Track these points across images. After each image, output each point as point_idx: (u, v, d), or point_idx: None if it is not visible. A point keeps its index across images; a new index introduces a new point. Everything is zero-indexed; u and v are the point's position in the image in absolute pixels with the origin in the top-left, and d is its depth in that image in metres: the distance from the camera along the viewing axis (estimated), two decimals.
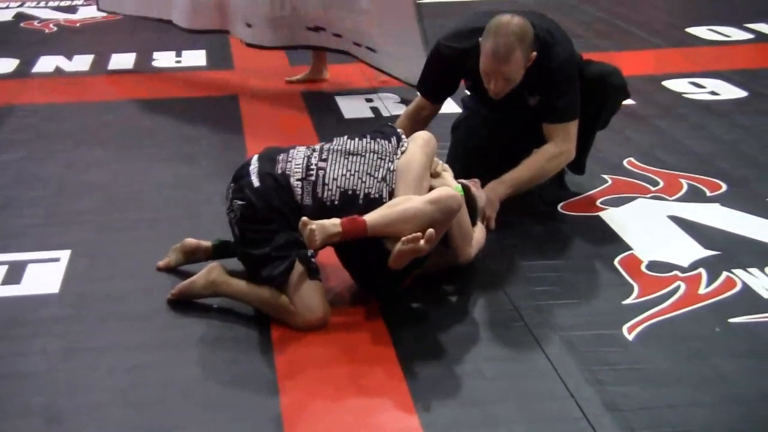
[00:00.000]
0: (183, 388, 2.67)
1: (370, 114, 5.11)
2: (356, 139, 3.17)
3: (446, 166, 3.32)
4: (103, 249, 3.53)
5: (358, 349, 2.86)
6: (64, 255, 3.44)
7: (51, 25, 7.42)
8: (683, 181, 4.07)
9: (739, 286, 3.17)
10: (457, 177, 3.30)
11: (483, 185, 3.54)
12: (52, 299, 3.16)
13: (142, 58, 6.34)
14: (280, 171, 3.04)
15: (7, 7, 8.08)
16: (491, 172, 3.64)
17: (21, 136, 4.82)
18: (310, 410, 2.58)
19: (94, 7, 7.91)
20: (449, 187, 3.11)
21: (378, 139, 3.18)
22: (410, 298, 3.15)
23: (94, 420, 2.54)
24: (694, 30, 6.96)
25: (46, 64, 6.23)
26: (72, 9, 8.01)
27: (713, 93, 5.38)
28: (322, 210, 2.95)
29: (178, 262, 3.32)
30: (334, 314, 3.01)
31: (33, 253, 3.47)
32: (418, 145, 3.17)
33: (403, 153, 3.15)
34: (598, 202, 3.88)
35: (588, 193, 3.96)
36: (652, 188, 4.00)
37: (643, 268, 3.31)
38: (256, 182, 3.02)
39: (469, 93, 4.09)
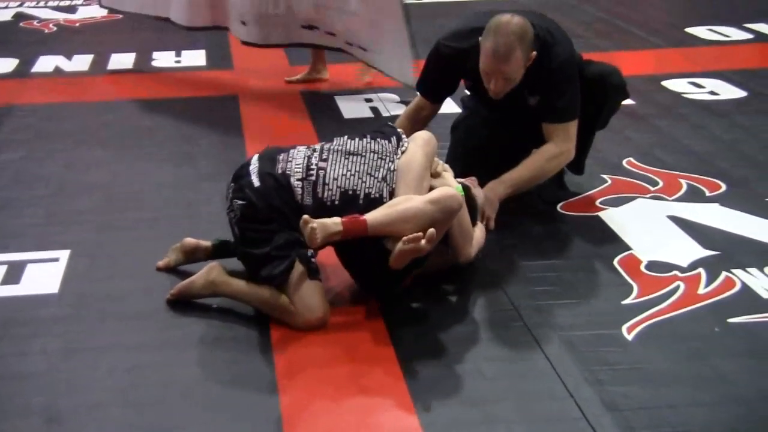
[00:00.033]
0: (183, 388, 2.67)
1: (369, 114, 5.11)
2: (356, 139, 3.17)
3: (446, 166, 3.32)
4: (102, 249, 3.53)
5: (357, 348, 2.87)
6: (64, 255, 3.44)
7: (50, 25, 7.42)
8: (683, 181, 4.07)
9: (738, 286, 3.18)
10: (456, 177, 3.30)
11: (482, 185, 3.54)
12: (52, 299, 3.16)
13: (142, 58, 6.34)
14: (280, 171, 3.04)
15: (6, 7, 8.08)
16: (491, 172, 3.64)
17: (20, 135, 4.82)
18: (310, 410, 2.58)
19: (94, 7, 7.93)
20: (450, 186, 3.11)
21: (378, 139, 3.18)
22: (410, 298, 3.15)
23: (93, 420, 2.54)
24: (693, 30, 6.97)
25: (45, 63, 6.23)
26: (71, 9, 8.00)
27: (713, 93, 5.38)
28: (322, 210, 2.95)
29: (177, 261, 3.32)
30: (334, 314, 3.01)
31: (32, 253, 3.47)
32: (419, 144, 3.17)
33: (403, 153, 3.15)
34: (597, 202, 3.88)
35: (587, 193, 3.96)
36: (652, 188, 4.00)
37: (642, 268, 3.31)
38: (256, 182, 3.02)
39: (468, 93, 4.09)
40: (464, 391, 2.65)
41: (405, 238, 2.85)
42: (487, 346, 2.89)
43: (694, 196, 3.93)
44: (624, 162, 4.29)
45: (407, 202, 2.95)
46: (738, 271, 3.27)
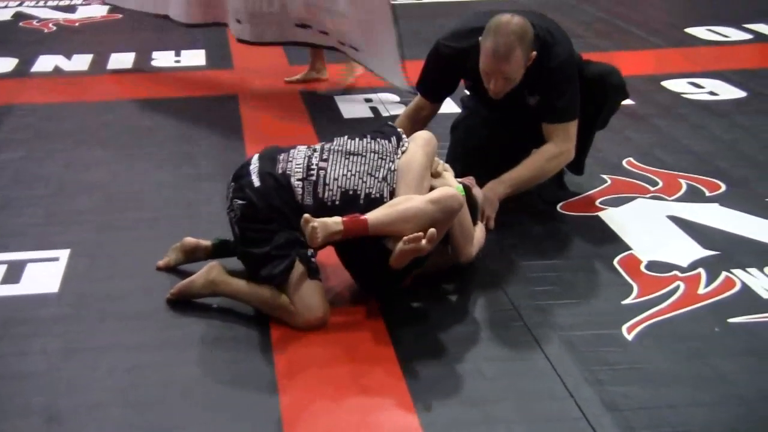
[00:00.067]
0: (183, 388, 2.67)
1: (369, 114, 5.11)
2: (356, 139, 3.17)
3: (447, 165, 3.32)
4: (102, 248, 3.52)
5: (357, 348, 2.87)
6: (64, 254, 3.44)
7: (50, 25, 7.42)
8: (682, 181, 4.07)
9: (738, 286, 3.18)
10: (456, 177, 3.30)
11: (482, 185, 3.54)
12: (52, 299, 3.16)
13: (142, 58, 6.34)
14: (280, 171, 3.04)
15: (6, 7, 8.08)
16: (491, 171, 3.64)
17: (20, 135, 4.81)
18: (310, 410, 2.58)
19: (93, 7, 7.95)
20: (450, 186, 3.11)
21: (378, 139, 3.18)
22: (410, 298, 3.15)
23: (93, 420, 2.54)
24: (693, 30, 6.97)
25: (45, 63, 6.22)
26: (71, 8, 8.00)
27: (712, 93, 5.38)
28: (322, 210, 2.95)
29: (177, 261, 3.32)
30: (334, 314, 3.01)
31: (32, 252, 3.47)
32: (419, 144, 3.17)
33: (403, 153, 3.15)
34: (597, 202, 3.88)
35: (587, 193, 3.97)
36: (652, 188, 4.00)
37: (642, 268, 3.31)
38: (256, 182, 3.02)
39: (468, 93, 4.09)
40: (464, 390, 2.65)
41: (406, 237, 2.85)
42: (487, 346, 2.89)
43: (693, 196, 3.93)
44: (624, 162, 4.29)
45: (408, 202, 2.95)
46: (738, 271, 3.27)
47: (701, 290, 3.16)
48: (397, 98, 5.28)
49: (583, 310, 3.07)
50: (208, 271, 3.07)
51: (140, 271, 3.32)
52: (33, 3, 8.23)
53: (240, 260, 3.13)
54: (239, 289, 3.04)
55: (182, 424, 2.53)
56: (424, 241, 2.84)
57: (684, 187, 4.01)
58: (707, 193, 3.95)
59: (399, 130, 3.28)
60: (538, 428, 2.49)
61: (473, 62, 3.49)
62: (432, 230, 2.85)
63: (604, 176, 4.12)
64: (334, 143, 3.17)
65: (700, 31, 6.93)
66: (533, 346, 2.86)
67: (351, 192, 3.02)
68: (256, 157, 3.14)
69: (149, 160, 4.48)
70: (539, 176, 3.68)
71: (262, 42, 5.43)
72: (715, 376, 2.69)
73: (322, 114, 5.09)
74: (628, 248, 3.46)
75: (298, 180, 3.02)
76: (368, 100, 5.30)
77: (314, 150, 3.13)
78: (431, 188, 3.09)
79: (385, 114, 5.05)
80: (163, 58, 6.36)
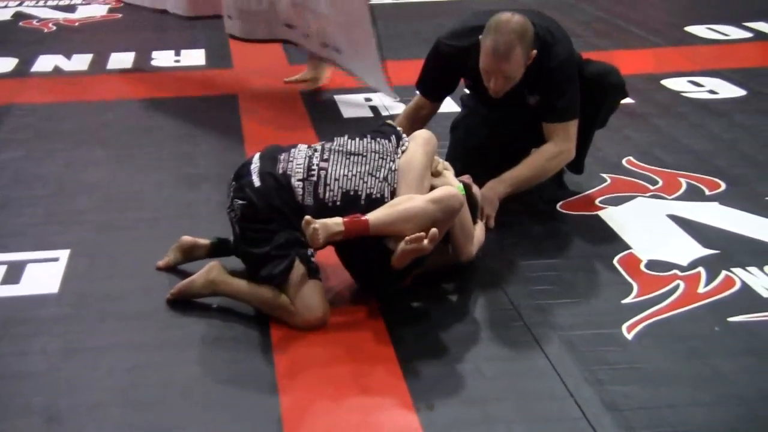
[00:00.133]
0: (183, 388, 2.67)
1: (369, 113, 5.10)
2: (357, 139, 3.17)
3: (447, 164, 3.32)
4: (102, 248, 3.52)
5: (358, 348, 2.87)
6: (64, 255, 3.44)
7: (50, 25, 7.42)
8: (682, 180, 4.07)
9: (738, 285, 3.18)
10: (456, 176, 3.30)
11: (482, 184, 3.54)
12: (52, 299, 3.16)
13: (141, 58, 6.34)
14: (281, 171, 3.04)
15: (6, 6, 8.08)
16: (490, 171, 3.64)
17: (20, 135, 4.81)
18: (310, 410, 2.58)
19: (93, 7, 7.95)
20: (451, 186, 3.11)
21: (378, 139, 3.18)
22: (410, 297, 3.15)
23: (93, 420, 2.54)
24: (693, 29, 6.96)
25: (44, 63, 6.22)
26: (71, 8, 8.00)
27: (712, 92, 5.38)
28: (323, 210, 2.95)
29: (176, 261, 3.32)
30: (334, 314, 3.01)
31: (32, 252, 3.47)
32: (419, 144, 3.17)
33: (403, 152, 3.15)
34: (597, 201, 3.88)
35: (587, 192, 3.97)
36: (651, 187, 4.00)
37: (642, 267, 3.31)
38: (257, 182, 3.02)
39: (468, 92, 4.09)
40: (464, 390, 2.65)
41: (407, 238, 2.85)
42: (487, 346, 2.89)
43: (693, 195, 3.93)
44: (623, 161, 4.29)
45: (408, 202, 2.95)
46: (738, 270, 3.27)
47: (701, 289, 3.16)
48: (396, 98, 5.27)
49: (582, 310, 3.07)
50: (208, 271, 3.07)
51: (140, 271, 3.32)
52: (33, 3, 8.22)
53: (241, 260, 3.13)
54: (239, 289, 3.04)
55: (182, 424, 2.53)
56: (425, 241, 2.84)
57: (684, 186, 4.01)
58: (707, 192, 3.95)
59: (399, 129, 3.28)
60: (538, 428, 2.49)
61: (473, 61, 3.49)
62: (434, 230, 2.85)
63: (604, 175, 4.12)
64: (335, 143, 3.16)
65: (699, 30, 6.92)
66: (533, 346, 2.86)
67: (352, 192, 3.02)
68: (257, 156, 3.14)
69: (149, 159, 4.48)
70: (539, 175, 3.68)
71: (252, 39, 5.44)
72: (714, 376, 2.69)
73: (321, 114, 5.09)
74: (628, 247, 3.46)
75: (299, 180, 3.02)
76: (368, 100, 5.30)
77: (315, 150, 3.13)
78: (432, 187, 3.10)
79: (384, 113, 5.05)
80: (162, 58, 6.35)
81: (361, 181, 3.04)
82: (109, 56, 6.35)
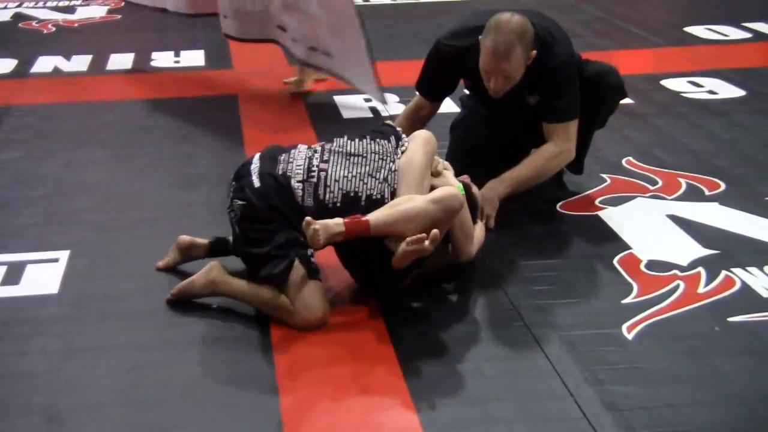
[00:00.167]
0: (183, 388, 2.67)
1: (368, 114, 5.11)
2: (356, 140, 3.17)
3: (447, 164, 3.32)
4: (102, 249, 3.52)
5: (358, 348, 2.87)
6: (63, 255, 3.44)
7: (49, 26, 7.42)
8: (682, 180, 4.07)
9: (738, 285, 3.18)
10: (455, 176, 3.30)
11: (481, 184, 3.55)
12: (52, 299, 3.16)
13: (141, 58, 6.34)
14: (281, 172, 3.04)
15: (5, 8, 8.08)
16: (490, 171, 3.64)
17: (19, 135, 4.81)
18: (310, 410, 2.58)
19: (93, 8, 7.95)
20: (451, 186, 3.11)
21: (378, 140, 3.18)
22: (410, 298, 3.15)
23: (93, 420, 2.54)
24: (692, 29, 6.97)
25: (44, 64, 6.22)
26: (70, 9, 8.00)
27: (712, 92, 5.38)
28: (323, 212, 2.94)
29: (175, 260, 3.32)
30: (334, 314, 3.01)
31: (32, 253, 3.47)
32: (418, 144, 3.17)
33: (403, 152, 3.15)
34: (597, 202, 3.88)
35: (587, 193, 3.97)
36: (651, 187, 4.00)
37: (642, 267, 3.31)
38: (256, 182, 3.02)
39: (468, 92, 4.09)
40: (464, 390, 2.65)
41: (409, 239, 2.85)
42: (487, 346, 2.89)
43: (693, 195, 3.93)
44: (623, 161, 4.29)
45: (409, 202, 2.95)
46: (738, 270, 3.27)
47: (701, 289, 3.16)
48: (396, 98, 5.27)
49: (583, 310, 3.07)
50: (208, 271, 3.07)
51: (140, 271, 3.32)
52: (32, 4, 8.23)
53: (241, 260, 3.13)
54: (239, 289, 3.04)
55: (182, 424, 2.53)
56: (427, 242, 2.84)
57: (683, 186, 4.01)
58: (707, 192, 3.95)
59: (398, 129, 3.28)
60: (538, 428, 2.49)
61: (473, 61, 3.49)
62: (435, 231, 2.85)
63: (604, 175, 4.12)
64: (335, 144, 3.16)
65: (699, 30, 6.92)
66: (533, 346, 2.86)
67: (352, 194, 3.01)
68: (257, 156, 3.14)
69: (149, 160, 4.48)
70: (539, 175, 3.68)
71: (246, 38, 5.45)
72: (714, 376, 2.69)
73: (321, 114, 5.09)
74: (628, 247, 3.46)
75: (299, 182, 3.02)
76: (368, 100, 5.30)
77: (315, 151, 3.13)
78: (432, 188, 3.10)
79: (384, 114, 5.05)
80: (162, 59, 6.35)
81: (361, 183, 3.04)
82: (109, 57, 6.35)
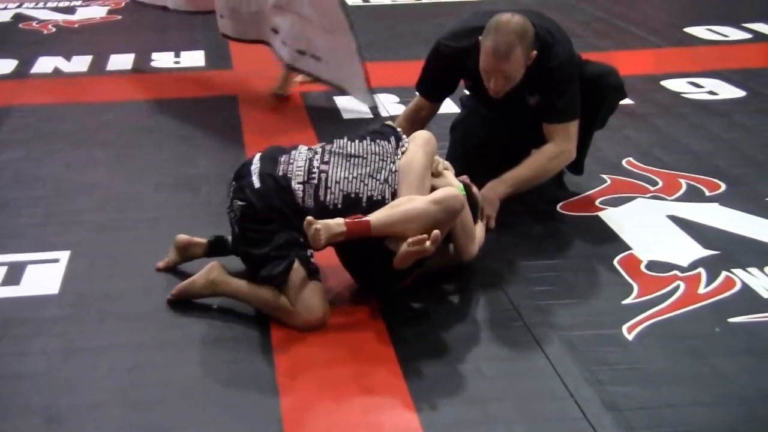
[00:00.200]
0: (183, 388, 2.68)
1: (368, 114, 5.10)
2: (356, 141, 3.17)
3: (448, 164, 3.32)
4: (102, 249, 3.52)
5: (358, 348, 2.86)
6: (64, 256, 3.44)
7: (49, 26, 7.42)
8: (682, 180, 4.07)
9: (738, 286, 3.18)
10: (455, 176, 3.30)
11: (481, 184, 3.54)
12: (52, 300, 3.16)
13: (141, 59, 6.33)
14: (281, 173, 3.04)
15: (5, 8, 8.08)
16: (490, 171, 3.64)
17: (20, 136, 4.81)
18: (310, 410, 2.58)
19: (93, 8, 7.94)
20: (452, 186, 3.11)
21: (378, 141, 3.18)
22: (410, 298, 3.15)
23: (93, 420, 2.54)
24: (692, 30, 6.96)
25: (44, 64, 6.22)
26: (70, 10, 8.00)
27: (712, 92, 5.38)
28: (324, 213, 2.94)
29: (174, 260, 3.32)
30: (334, 314, 3.01)
31: (32, 254, 3.47)
32: (419, 144, 3.17)
33: (403, 153, 3.15)
34: (597, 202, 3.88)
35: (587, 193, 3.97)
36: (651, 188, 4.00)
37: (642, 267, 3.31)
38: (257, 183, 3.01)
39: (468, 93, 4.09)
40: (464, 390, 2.65)
41: (410, 240, 2.85)
42: (487, 346, 2.89)
43: (693, 195, 3.93)
44: (623, 162, 4.29)
45: (410, 203, 2.95)
46: (738, 271, 3.27)
47: (701, 290, 3.16)
48: (396, 98, 5.27)
49: (583, 310, 3.07)
50: (208, 272, 3.07)
51: (140, 272, 3.32)
52: (32, 4, 8.22)
53: (241, 260, 3.13)
54: (239, 290, 3.04)
55: (182, 425, 2.53)
56: (428, 243, 2.84)
57: (684, 187, 4.01)
58: (707, 193, 3.95)
59: (398, 129, 3.28)
60: (539, 428, 2.49)
61: (473, 62, 3.49)
62: (436, 232, 2.85)
63: (604, 176, 4.12)
64: (335, 145, 3.16)
65: (699, 31, 6.92)
66: (533, 346, 2.86)
67: (353, 195, 3.01)
68: (257, 156, 3.14)
69: (149, 160, 4.48)
70: (540, 176, 3.68)
71: (243, 39, 5.46)
72: (715, 376, 2.69)
73: (321, 114, 5.09)
74: (628, 248, 3.46)
75: (299, 183, 3.02)
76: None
77: (315, 152, 3.13)
78: (432, 188, 3.10)
79: (384, 114, 5.05)
80: (162, 59, 6.35)
81: (362, 184, 3.04)
82: (109, 57, 6.35)
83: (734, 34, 6.83)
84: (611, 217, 3.74)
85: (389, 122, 3.46)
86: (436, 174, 3.21)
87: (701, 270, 3.28)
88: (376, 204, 3.00)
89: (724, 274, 3.25)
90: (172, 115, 5.14)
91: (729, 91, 5.39)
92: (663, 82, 5.58)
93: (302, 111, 5.14)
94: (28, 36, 7.14)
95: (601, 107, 3.81)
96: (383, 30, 7.11)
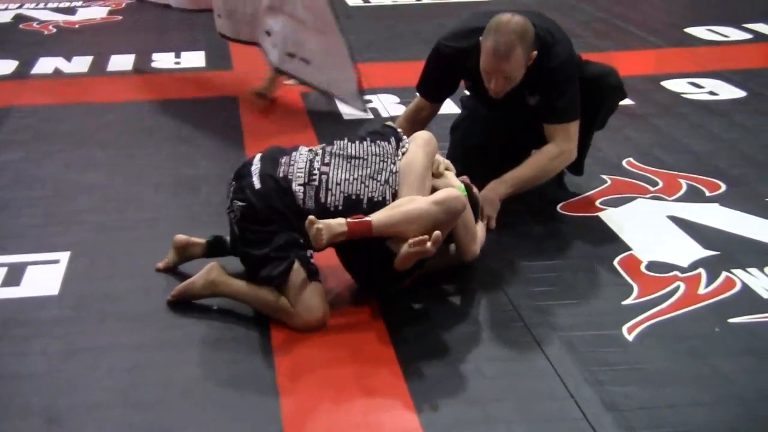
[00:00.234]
0: (183, 389, 2.68)
1: (369, 115, 5.10)
2: (357, 143, 3.17)
3: (449, 164, 3.32)
4: (102, 249, 3.52)
5: (358, 349, 2.87)
6: (64, 257, 3.43)
7: (50, 27, 7.42)
8: (682, 181, 4.07)
9: (738, 286, 3.18)
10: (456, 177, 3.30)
11: (482, 185, 3.54)
12: (52, 301, 3.16)
13: (141, 60, 6.33)
14: (282, 174, 3.04)
15: (6, 9, 8.08)
16: (491, 171, 3.64)
17: (20, 136, 4.81)
18: (310, 410, 2.58)
19: (93, 9, 7.94)
20: (453, 187, 3.11)
21: (378, 141, 3.18)
22: (410, 298, 3.15)
23: (93, 420, 2.55)
24: (692, 30, 6.96)
25: (45, 65, 6.22)
26: (71, 10, 8.00)
27: (712, 93, 5.38)
28: (325, 215, 2.93)
29: (173, 260, 3.32)
30: (334, 315, 3.01)
31: (32, 254, 3.47)
32: (419, 145, 3.17)
33: (404, 154, 3.15)
34: (597, 203, 3.88)
35: (587, 194, 3.96)
36: (652, 188, 4.00)
37: (642, 268, 3.31)
38: (257, 184, 3.01)
39: (468, 93, 4.09)
40: (464, 391, 2.65)
41: (411, 240, 2.85)
42: (488, 347, 2.89)
43: (693, 196, 3.93)
44: (624, 162, 4.29)
45: (411, 203, 2.95)
46: (738, 271, 3.27)
47: (701, 290, 3.16)
48: (396, 99, 5.28)
49: (583, 311, 3.07)
50: (208, 272, 3.07)
51: (140, 272, 3.32)
52: (33, 5, 8.22)
53: (240, 260, 3.13)
54: (239, 290, 3.04)
55: (182, 425, 2.53)
56: (429, 244, 2.84)
57: (684, 187, 4.01)
58: (707, 193, 3.95)
59: (398, 130, 3.28)
60: (539, 428, 2.49)
61: (474, 62, 3.49)
62: (437, 233, 2.85)
63: (604, 176, 4.12)
64: (335, 146, 3.16)
65: (699, 31, 6.92)
66: (533, 347, 2.86)
67: (354, 196, 3.01)
68: (258, 157, 3.14)
69: (149, 161, 4.48)
70: (541, 176, 3.68)
71: (239, 39, 5.47)
72: (715, 376, 2.69)
73: (321, 115, 5.08)
74: (628, 248, 3.46)
75: (300, 185, 3.01)
76: (368, 101, 5.29)
77: (316, 153, 3.13)
78: (433, 188, 3.10)
79: (384, 115, 5.05)
80: (163, 60, 6.35)
81: (363, 185, 3.04)
82: (110, 58, 6.35)
83: (734, 34, 6.83)
84: (611, 217, 3.74)
85: (389, 123, 3.45)
86: (438, 174, 3.21)
87: (701, 270, 3.28)
88: (377, 205, 3.00)
89: (724, 274, 3.25)
90: (172, 116, 5.14)
91: (729, 92, 5.39)
92: (663, 83, 5.58)
93: (302, 112, 5.14)
94: (28, 36, 7.14)
95: (601, 107, 3.81)
96: (383, 30, 7.12)
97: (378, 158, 3.12)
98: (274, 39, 5.06)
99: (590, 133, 3.88)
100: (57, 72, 6.08)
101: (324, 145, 3.20)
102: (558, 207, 3.84)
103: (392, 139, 3.20)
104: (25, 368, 2.78)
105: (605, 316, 3.02)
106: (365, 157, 3.11)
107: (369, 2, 8.21)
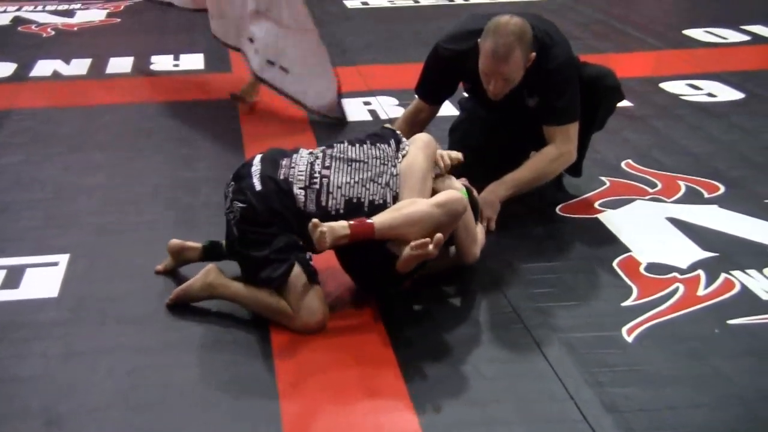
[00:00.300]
0: (182, 391, 2.67)
1: (368, 117, 5.10)
2: (357, 146, 3.17)
3: (457, 154, 3.29)
4: (101, 252, 3.52)
5: (358, 351, 2.86)
6: (63, 259, 3.43)
7: (49, 29, 7.42)
8: (681, 182, 4.07)
9: (737, 288, 3.18)
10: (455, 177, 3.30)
11: (481, 187, 3.55)
12: (51, 303, 3.16)
13: (140, 62, 6.34)
14: (282, 176, 3.03)
15: (4, 11, 8.08)
16: (490, 173, 3.64)
17: (19, 139, 4.81)
18: (310, 412, 2.58)
19: (92, 11, 7.95)
20: (454, 189, 3.11)
21: (378, 144, 3.18)
22: (410, 300, 3.15)
23: (93, 422, 2.54)
24: (691, 32, 6.97)
25: (43, 67, 6.22)
26: (70, 13, 8.00)
27: (710, 95, 5.38)
28: (326, 218, 2.93)
29: (170, 264, 3.32)
30: (334, 317, 3.01)
31: (32, 257, 3.47)
32: (419, 147, 3.17)
33: (404, 156, 3.15)
34: (596, 204, 3.88)
35: (586, 196, 3.97)
36: (650, 190, 4.01)
37: (641, 269, 3.31)
38: (257, 185, 3.01)
39: (467, 95, 4.09)
40: (464, 392, 2.65)
41: (413, 243, 2.85)
42: (487, 348, 2.89)
43: (692, 197, 3.93)
44: (622, 164, 4.29)
45: (413, 206, 2.96)
46: (737, 273, 3.27)
47: (701, 292, 3.16)
48: (395, 101, 5.28)
49: (582, 312, 3.07)
50: (205, 274, 3.07)
51: (139, 274, 3.32)
52: (32, 7, 8.23)
53: (237, 262, 3.12)
54: (237, 292, 3.04)
55: (182, 427, 2.53)
56: (431, 246, 2.84)
57: (683, 189, 4.01)
58: (706, 195, 3.95)
59: (397, 132, 3.28)
60: (538, 430, 2.49)
61: (472, 64, 3.50)
62: (439, 235, 2.86)
63: (603, 178, 4.12)
64: (335, 149, 3.16)
65: (698, 33, 6.93)
66: (533, 348, 2.86)
67: (355, 200, 3.01)
68: (258, 158, 3.14)
69: (148, 163, 4.48)
70: (540, 178, 3.68)
71: (227, 43, 5.47)
72: (715, 378, 2.69)
73: (321, 117, 5.08)
74: (628, 250, 3.46)
75: (300, 188, 3.01)
76: (367, 103, 5.30)
77: (316, 156, 3.12)
78: (434, 191, 3.10)
79: (383, 116, 5.05)
80: (161, 62, 6.35)
81: (364, 188, 3.04)
82: (108, 60, 6.35)
83: (733, 36, 6.84)
84: (610, 219, 3.74)
85: (388, 125, 3.46)
86: (439, 176, 3.21)
87: (700, 272, 3.28)
88: (378, 208, 3.00)
89: (723, 275, 3.25)
90: (171, 118, 5.15)
91: (728, 93, 5.39)
92: (662, 84, 5.58)
93: (302, 114, 5.14)
94: (27, 39, 7.14)
95: (598, 109, 3.81)
96: (382, 32, 7.12)
97: (378, 161, 3.12)
98: (257, 45, 5.06)
99: (589, 135, 3.89)
100: (56, 74, 6.09)
101: (324, 147, 3.20)
102: (557, 209, 3.84)
103: (392, 142, 3.20)
104: (25, 371, 2.78)
105: (605, 317, 3.02)
106: (366, 160, 3.11)
107: (368, 4, 8.22)
